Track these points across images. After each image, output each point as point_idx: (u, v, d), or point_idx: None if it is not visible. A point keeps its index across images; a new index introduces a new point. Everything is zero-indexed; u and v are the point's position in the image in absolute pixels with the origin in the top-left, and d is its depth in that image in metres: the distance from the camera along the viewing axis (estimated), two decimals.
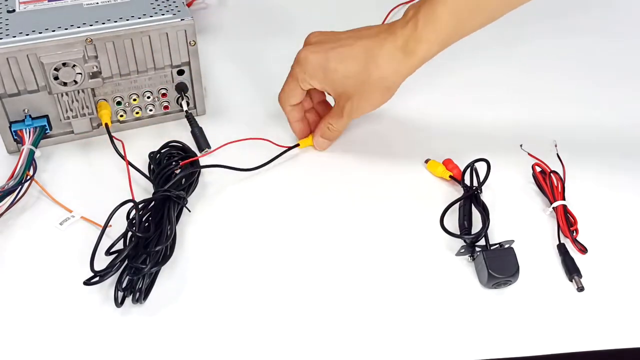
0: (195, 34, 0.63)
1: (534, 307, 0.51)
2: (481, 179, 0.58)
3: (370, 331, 0.49)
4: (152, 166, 0.60)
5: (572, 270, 0.53)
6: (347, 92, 0.59)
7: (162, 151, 0.60)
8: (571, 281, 0.52)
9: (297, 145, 0.65)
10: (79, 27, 0.60)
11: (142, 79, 0.64)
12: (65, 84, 0.60)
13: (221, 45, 0.82)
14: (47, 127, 0.63)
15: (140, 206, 0.53)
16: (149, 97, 0.65)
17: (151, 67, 0.64)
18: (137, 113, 0.66)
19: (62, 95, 0.61)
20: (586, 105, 0.72)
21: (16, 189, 0.57)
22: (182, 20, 0.62)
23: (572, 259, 0.53)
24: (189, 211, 0.58)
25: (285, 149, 0.64)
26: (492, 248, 0.52)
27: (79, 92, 0.61)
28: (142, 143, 0.64)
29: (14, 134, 0.62)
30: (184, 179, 0.58)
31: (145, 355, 0.47)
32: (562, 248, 0.55)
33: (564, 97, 0.74)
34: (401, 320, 0.50)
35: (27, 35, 0.59)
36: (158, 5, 0.64)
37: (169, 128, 0.68)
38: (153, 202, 0.54)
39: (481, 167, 0.59)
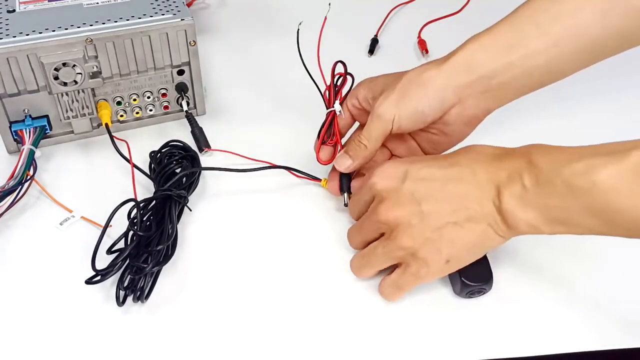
0: (195, 34, 0.63)
1: (534, 306, 0.51)
2: None
3: (369, 331, 0.49)
4: (152, 165, 0.60)
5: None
6: (383, 91, 0.53)
7: (163, 150, 0.60)
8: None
9: (319, 180, 0.60)
10: (79, 27, 0.60)
11: (142, 79, 0.64)
12: (65, 84, 0.60)
13: (221, 45, 0.82)
14: (47, 127, 0.63)
15: (141, 205, 0.53)
16: (149, 97, 0.65)
17: (151, 67, 0.64)
18: (137, 113, 0.66)
19: (62, 95, 0.61)
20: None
21: (16, 189, 0.57)
22: (182, 20, 0.62)
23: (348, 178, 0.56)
24: (190, 210, 0.58)
25: (306, 178, 0.60)
26: None
27: (79, 92, 0.61)
28: (142, 143, 0.64)
29: (14, 134, 0.61)
30: (184, 178, 0.58)
31: (146, 354, 0.47)
32: None
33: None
34: (401, 314, 0.50)
35: (27, 35, 0.58)
36: (158, 5, 0.64)
37: (169, 128, 0.68)
38: (154, 202, 0.54)
39: None
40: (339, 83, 0.58)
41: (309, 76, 0.59)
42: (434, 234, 0.46)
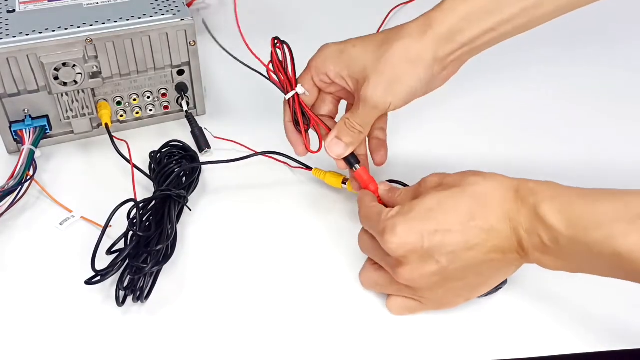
0: (195, 34, 0.63)
1: (545, 304, 0.51)
2: None
3: (376, 330, 0.49)
4: (152, 165, 0.60)
5: None
6: (365, 71, 0.52)
7: (163, 151, 0.60)
8: None
9: (311, 169, 0.61)
10: (79, 27, 0.60)
11: (142, 79, 0.64)
12: (65, 84, 0.60)
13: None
14: (47, 127, 0.63)
15: (141, 205, 0.53)
16: (149, 97, 0.65)
17: (151, 67, 0.64)
18: (137, 113, 0.66)
19: (62, 95, 0.61)
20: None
21: (16, 189, 0.57)
22: (182, 20, 0.62)
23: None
24: (190, 210, 0.58)
25: (300, 167, 0.61)
26: None
27: (79, 92, 0.61)
28: (142, 143, 0.64)
29: (14, 134, 0.62)
30: (184, 178, 0.58)
31: (146, 354, 0.47)
32: None
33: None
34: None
35: (27, 35, 0.59)
36: (158, 5, 0.64)
37: (169, 128, 0.68)
38: (154, 202, 0.54)
39: None
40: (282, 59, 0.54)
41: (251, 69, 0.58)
42: (457, 284, 0.46)
